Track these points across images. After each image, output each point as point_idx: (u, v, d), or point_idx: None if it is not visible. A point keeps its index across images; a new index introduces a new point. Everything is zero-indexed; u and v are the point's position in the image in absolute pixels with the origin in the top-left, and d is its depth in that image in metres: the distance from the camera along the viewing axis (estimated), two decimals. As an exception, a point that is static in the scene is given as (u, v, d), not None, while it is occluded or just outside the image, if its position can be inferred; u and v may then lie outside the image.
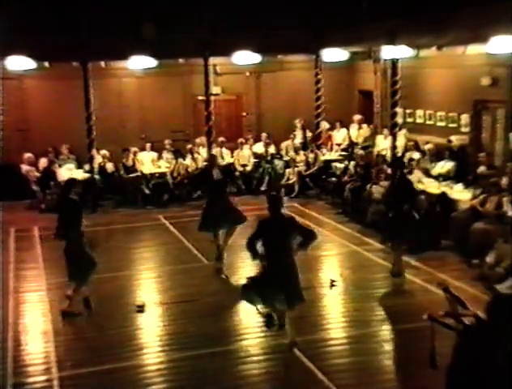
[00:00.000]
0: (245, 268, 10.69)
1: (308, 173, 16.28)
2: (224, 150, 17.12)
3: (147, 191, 15.75)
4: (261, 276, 7.30)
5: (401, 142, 15.12)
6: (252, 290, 7.32)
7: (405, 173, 10.95)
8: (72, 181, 9.29)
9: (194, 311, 8.83)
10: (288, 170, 16.44)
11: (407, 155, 14.39)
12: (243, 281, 9.74)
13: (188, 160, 16.34)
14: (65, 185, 9.35)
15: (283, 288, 7.10)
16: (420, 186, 12.48)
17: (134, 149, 16.30)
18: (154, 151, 16.63)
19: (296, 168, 16.26)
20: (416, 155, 14.45)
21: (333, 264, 11.14)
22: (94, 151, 15.24)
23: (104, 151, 16.04)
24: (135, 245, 12.30)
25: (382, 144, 16.00)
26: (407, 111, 16.30)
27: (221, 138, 17.00)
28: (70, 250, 8.67)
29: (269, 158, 17.02)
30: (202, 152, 16.35)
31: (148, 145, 16.63)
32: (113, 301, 9.17)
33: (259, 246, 7.31)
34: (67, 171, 15.71)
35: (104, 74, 16.44)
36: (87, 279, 8.88)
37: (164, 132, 16.73)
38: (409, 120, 16.35)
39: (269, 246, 7.21)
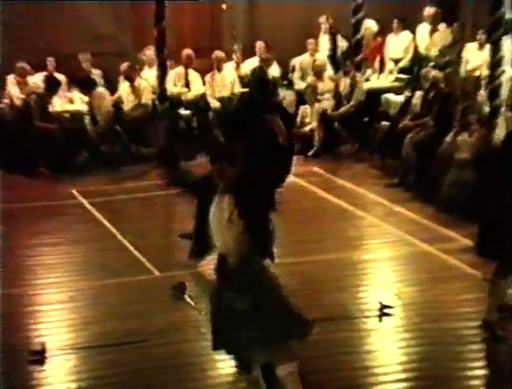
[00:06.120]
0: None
1: (339, 112, 14.24)
2: (192, 72, 14.61)
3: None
4: None
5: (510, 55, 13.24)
6: None
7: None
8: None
9: (135, 361, 7.79)
10: (303, 108, 14.53)
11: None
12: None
13: (122, 90, 14.10)
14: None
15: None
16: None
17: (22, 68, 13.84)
18: (63, 74, 14.22)
19: (317, 105, 14.27)
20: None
21: (384, 276, 10.21)
22: None
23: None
24: (29, 241, 10.90)
25: (475, 59, 14.49)
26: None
27: (187, 51, 14.55)
28: None
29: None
30: (149, 76, 14.00)
31: (51, 61, 14.17)
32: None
33: None
34: None
35: None
36: None
37: (81, 41, 14.49)
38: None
39: None
